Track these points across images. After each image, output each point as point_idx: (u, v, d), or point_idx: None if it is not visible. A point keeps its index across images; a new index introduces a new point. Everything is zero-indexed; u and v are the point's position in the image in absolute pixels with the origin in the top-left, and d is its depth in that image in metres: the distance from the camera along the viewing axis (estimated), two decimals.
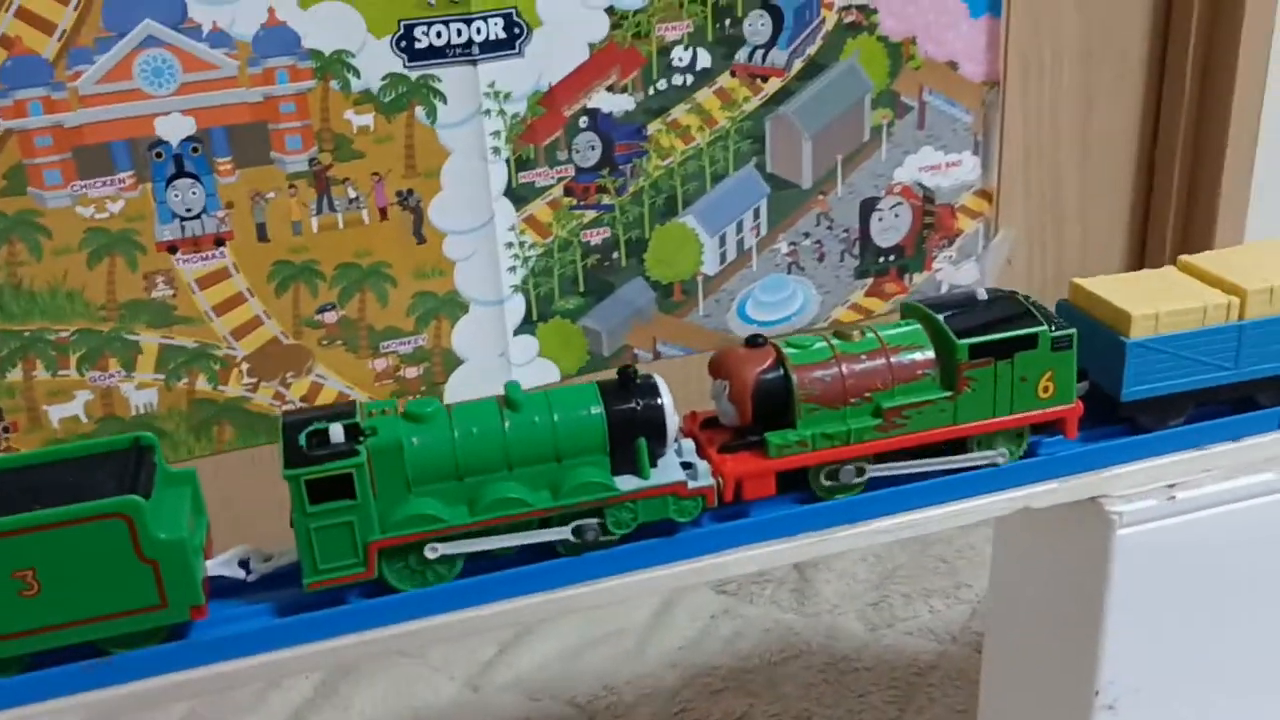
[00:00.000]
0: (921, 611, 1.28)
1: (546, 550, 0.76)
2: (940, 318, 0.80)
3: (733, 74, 1.40)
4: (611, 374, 0.76)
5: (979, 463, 0.82)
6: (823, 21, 1.41)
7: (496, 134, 1.33)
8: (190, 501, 0.74)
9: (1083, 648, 0.88)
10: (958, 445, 0.81)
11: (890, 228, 1.54)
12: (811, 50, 1.42)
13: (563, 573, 0.75)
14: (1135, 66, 1.59)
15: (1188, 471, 0.85)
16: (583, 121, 1.36)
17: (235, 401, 1.34)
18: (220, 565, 0.74)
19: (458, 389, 1.40)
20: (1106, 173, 1.64)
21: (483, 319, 1.40)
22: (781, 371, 0.78)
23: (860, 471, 0.79)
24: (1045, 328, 0.80)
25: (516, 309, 1.41)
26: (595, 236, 1.41)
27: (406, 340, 1.38)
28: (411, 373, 1.39)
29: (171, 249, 1.26)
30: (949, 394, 0.79)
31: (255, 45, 1.22)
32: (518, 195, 1.36)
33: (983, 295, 0.83)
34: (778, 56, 1.41)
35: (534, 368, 1.44)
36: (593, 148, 1.38)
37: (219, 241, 1.27)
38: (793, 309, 1.53)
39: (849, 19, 1.42)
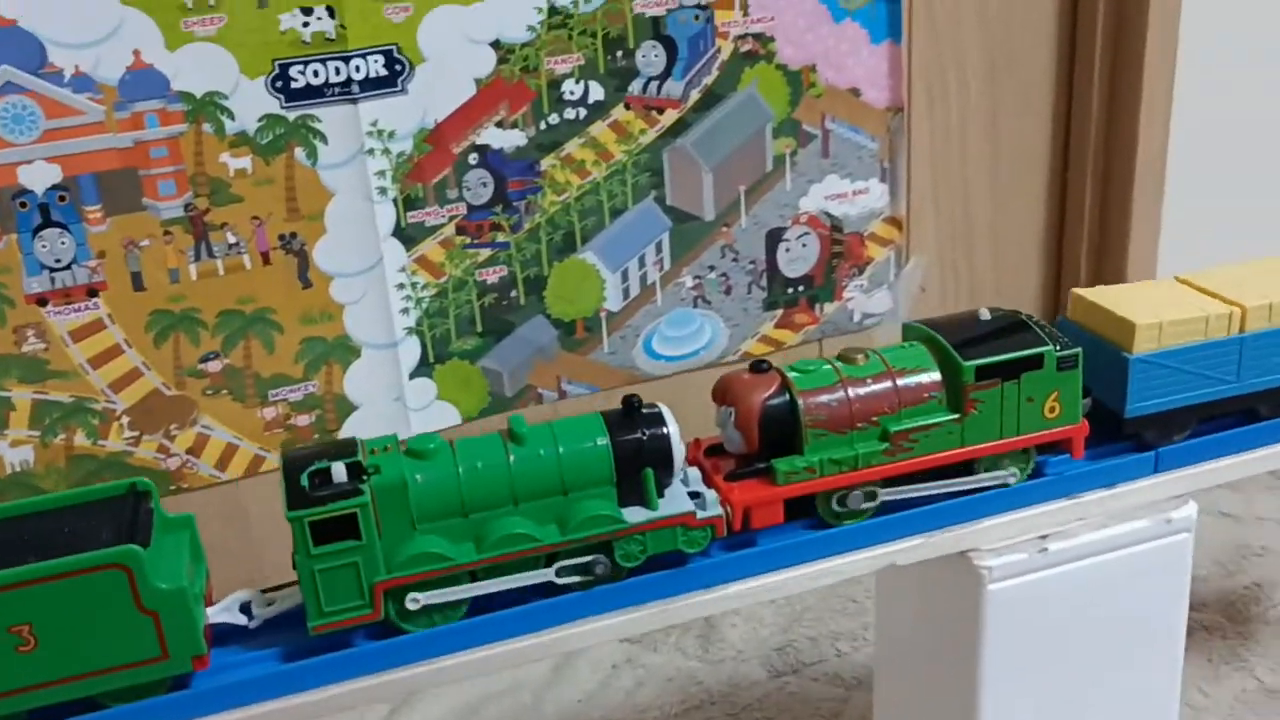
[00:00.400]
0: (828, 655, 1.24)
1: (555, 584, 0.74)
2: (944, 339, 0.79)
3: (627, 106, 1.37)
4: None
5: (988, 484, 0.81)
6: (718, 51, 1.38)
7: (382, 173, 1.29)
8: (189, 548, 0.72)
9: (963, 701, 0.85)
10: (964, 467, 0.81)
11: (798, 258, 1.51)
12: (708, 80, 1.39)
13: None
14: (1042, 81, 1.57)
15: (1061, 521, 0.82)
16: (472, 158, 1.32)
17: (117, 456, 1.29)
18: (221, 611, 0.73)
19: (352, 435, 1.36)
20: (1018, 193, 1.62)
21: (376, 363, 1.35)
22: (787, 397, 0.77)
23: (870, 496, 0.78)
24: (1051, 347, 0.79)
25: (411, 351, 1.37)
26: (491, 275, 1.37)
27: (296, 387, 1.33)
28: (303, 420, 1.35)
29: (41, 301, 1.21)
30: (956, 416, 0.78)
31: (121, 89, 1.18)
32: (407, 235, 1.32)
33: (985, 315, 0.82)
34: (673, 88, 1.38)
35: (432, 411, 1.40)
36: (484, 185, 1.34)
37: (92, 292, 1.23)
38: (700, 343, 1.50)
39: (745, 48, 1.39)
